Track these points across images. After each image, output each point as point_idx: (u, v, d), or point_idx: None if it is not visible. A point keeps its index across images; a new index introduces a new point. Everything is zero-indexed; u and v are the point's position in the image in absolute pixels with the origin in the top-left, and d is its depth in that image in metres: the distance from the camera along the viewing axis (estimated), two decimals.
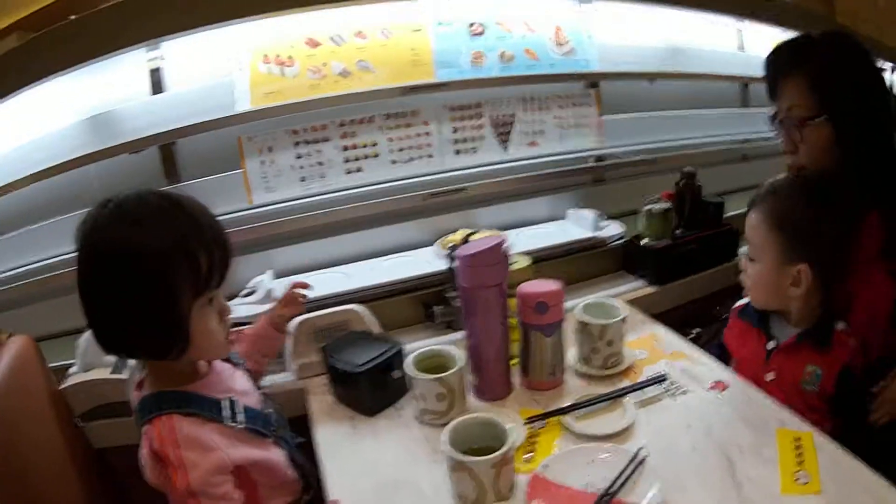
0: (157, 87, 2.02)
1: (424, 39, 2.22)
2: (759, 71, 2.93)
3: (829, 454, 1.34)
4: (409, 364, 1.56)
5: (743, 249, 1.75)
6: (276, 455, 1.39)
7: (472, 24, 2.29)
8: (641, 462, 1.33)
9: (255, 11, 1.95)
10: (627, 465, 1.32)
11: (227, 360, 1.42)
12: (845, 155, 1.61)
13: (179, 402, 1.23)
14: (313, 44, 2.09)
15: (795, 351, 1.58)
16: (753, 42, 3.09)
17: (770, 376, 1.62)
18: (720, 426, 1.47)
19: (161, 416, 1.21)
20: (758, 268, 1.60)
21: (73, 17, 1.78)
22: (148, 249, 1.12)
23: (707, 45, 2.96)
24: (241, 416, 1.30)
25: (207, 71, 2.06)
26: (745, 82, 3.10)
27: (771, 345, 1.65)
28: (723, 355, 1.81)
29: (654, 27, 2.79)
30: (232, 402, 1.30)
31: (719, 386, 1.63)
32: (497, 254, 1.55)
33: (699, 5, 2.74)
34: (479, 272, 1.55)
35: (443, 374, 1.51)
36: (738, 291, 2.22)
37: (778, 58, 1.71)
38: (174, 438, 1.19)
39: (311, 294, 1.70)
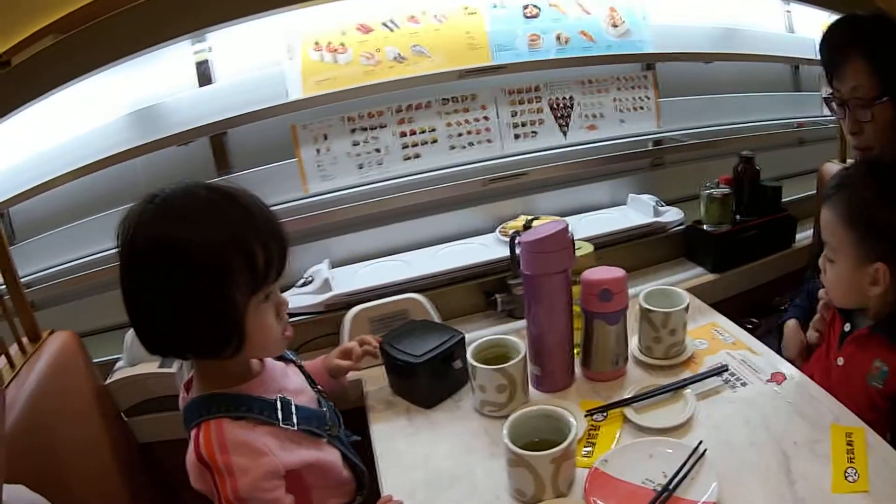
0: (204, 79, 2.02)
1: (479, 22, 2.19)
2: (808, 53, 2.92)
3: (878, 452, 1.31)
4: (469, 354, 1.54)
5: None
6: (330, 455, 1.34)
7: (526, 6, 2.25)
8: (701, 457, 1.32)
9: None
10: (686, 461, 1.30)
11: (279, 356, 1.38)
12: None
13: (229, 405, 1.19)
14: (365, 29, 2.07)
15: (867, 342, 1.50)
16: (802, 24, 3.02)
17: (840, 361, 1.56)
18: (777, 420, 1.45)
19: (210, 420, 1.17)
20: (836, 269, 1.51)
21: (115, 11, 1.76)
22: (195, 245, 1.08)
23: (757, 27, 2.89)
24: (294, 418, 1.25)
25: (256, 61, 2.05)
26: (796, 64, 3.03)
27: (847, 327, 1.57)
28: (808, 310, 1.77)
29: (705, 8, 2.73)
30: (285, 402, 1.25)
31: (777, 378, 1.60)
32: (561, 239, 1.52)
33: None
34: (543, 259, 1.52)
35: (504, 365, 1.49)
36: (796, 280, 2.18)
37: (834, 38, 1.65)
38: (223, 443, 1.14)
39: (369, 284, 1.68)
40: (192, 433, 1.18)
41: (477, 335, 1.72)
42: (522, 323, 1.68)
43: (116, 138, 1.95)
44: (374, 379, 1.72)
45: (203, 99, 2.00)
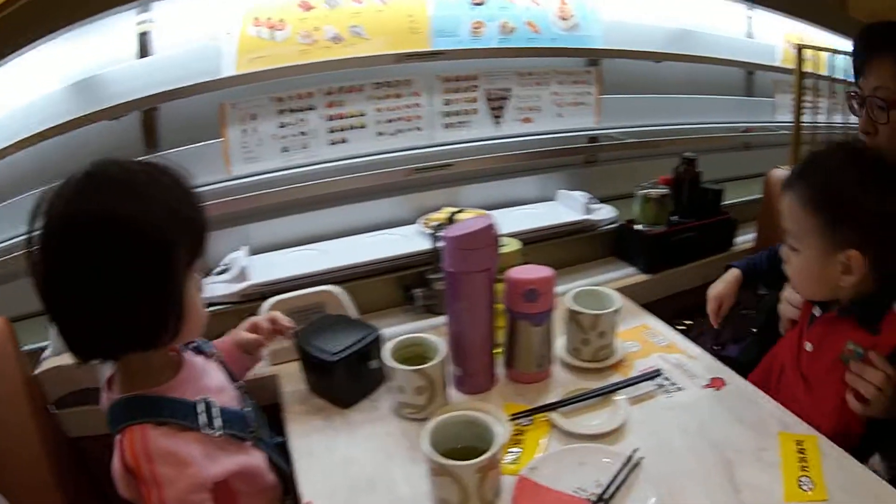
0: (144, 50, 1.91)
1: (422, 6, 2.11)
2: (766, 58, 2.91)
3: (834, 460, 1.28)
4: (387, 353, 1.47)
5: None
6: (255, 459, 1.28)
7: None
8: (636, 465, 1.27)
9: None
10: (621, 469, 1.25)
11: (199, 350, 1.32)
12: None
13: (152, 409, 1.13)
14: (307, 6, 1.98)
15: (836, 324, 1.41)
16: (762, 30, 3.01)
17: (808, 346, 1.48)
18: (717, 427, 1.41)
19: (134, 426, 1.11)
20: (801, 258, 1.40)
21: None
22: (140, 220, 1.02)
23: (715, 30, 2.87)
24: (218, 422, 1.19)
25: (197, 34, 1.94)
26: (750, 70, 3.02)
27: (816, 311, 1.49)
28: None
29: (664, 8, 2.70)
30: (208, 405, 1.19)
31: (716, 383, 1.57)
32: (487, 236, 1.46)
33: None
34: (467, 255, 1.45)
35: (423, 366, 1.42)
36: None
37: (870, 37, 1.57)
38: (148, 452, 1.09)
39: (287, 274, 1.61)
40: (117, 439, 1.13)
41: (395, 331, 1.69)
42: (441, 319, 1.63)
43: (52, 111, 1.83)
44: (290, 376, 1.64)
45: (140, 72, 1.88)
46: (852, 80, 1.59)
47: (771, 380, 1.62)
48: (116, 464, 1.12)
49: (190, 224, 1.10)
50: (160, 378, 1.18)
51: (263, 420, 1.36)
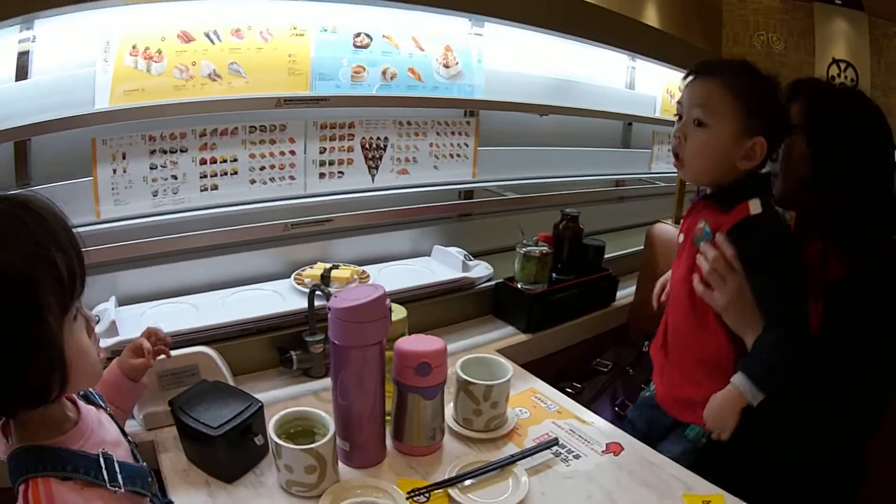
0: (22, 72, 1.72)
1: (305, 46, 2.01)
2: (646, 110, 2.98)
3: None
4: (271, 429, 1.36)
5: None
6: None
7: (357, 35, 2.10)
8: None
9: None
10: None
11: (88, 399, 1.20)
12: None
13: (56, 462, 1.03)
14: (186, 38, 1.83)
15: (699, 209, 1.60)
16: (643, 81, 3.09)
17: (680, 238, 1.65)
18: (621, 494, 1.41)
19: (37, 478, 1.01)
20: (709, 133, 1.49)
21: None
22: (3, 267, 0.89)
23: (597, 81, 2.92)
24: (119, 477, 1.08)
25: (77, 59, 1.76)
26: (630, 121, 3.08)
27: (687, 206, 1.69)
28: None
29: (544, 57, 2.72)
30: (108, 460, 1.09)
31: (614, 448, 1.57)
32: (377, 308, 1.38)
33: (590, 37, 2.67)
34: (358, 329, 1.37)
35: (313, 444, 1.32)
36: (616, 339, 2.17)
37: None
38: None
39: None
40: (20, 490, 1.02)
41: (271, 396, 1.67)
42: (321, 384, 1.60)
43: None
44: (167, 442, 1.51)
45: (15, 96, 1.69)
46: None
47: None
48: None
49: (53, 265, 0.95)
50: (60, 428, 1.07)
51: (154, 477, 1.24)
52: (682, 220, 1.69)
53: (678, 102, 1.56)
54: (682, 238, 1.64)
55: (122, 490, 1.08)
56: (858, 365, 1.51)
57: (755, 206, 1.47)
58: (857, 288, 1.50)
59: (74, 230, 1.02)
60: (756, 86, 1.48)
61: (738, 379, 1.46)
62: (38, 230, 0.95)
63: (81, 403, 1.15)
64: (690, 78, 1.54)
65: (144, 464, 1.20)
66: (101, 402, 1.23)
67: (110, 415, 1.24)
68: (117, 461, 1.10)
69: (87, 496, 1.04)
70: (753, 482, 1.50)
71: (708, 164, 1.52)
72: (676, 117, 1.55)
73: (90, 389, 1.22)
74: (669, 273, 1.77)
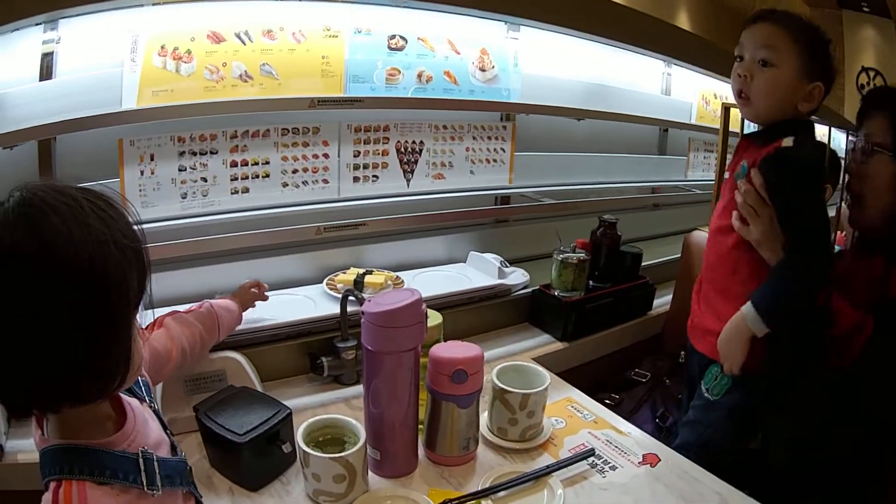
0: (46, 73, 1.71)
1: (339, 48, 1.98)
2: (682, 116, 2.93)
3: None
4: (300, 437, 1.32)
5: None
6: None
7: (392, 37, 2.07)
8: None
9: None
10: None
11: (132, 392, 1.16)
12: None
13: (93, 465, 0.99)
14: (216, 38, 1.81)
15: (742, 148, 1.67)
16: (678, 87, 3.04)
17: (726, 175, 1.71)
18: None
19: (71, 480, 0.97)
20: (774, 73, 1.54)
21: None
22: (88, 254, 0.86)
23: (633, 86, 2.88)
24: (158, 479, 1.06)
25: (103, 60, 1.75)
26: (665, 127, 3.02)
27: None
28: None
29: (581, 62, 2.68)
30: (147, 460, 1.05)
31: (650, 460, 1.53)
32: (413, 313, 1.33)
33: (624, 40, 2.65)
34: (391, 334, 1.33)
35: (343, 453, 1.28)
36: (651, 349, 2.12)
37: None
38: None
39: None
40: (52, 487, 0.98)
41: (301, 403, 1.65)
42: (352, 391, 1.57)
43: None
44: (192, 448, 1.47)
45: (40, 96, 1.68)
46: None
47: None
48: None
49: (139, 259, 0.94)
50: (102, 427, 1.04)
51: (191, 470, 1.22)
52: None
53: (739, 44, 1.60)
54: (727, 175, 1.71)
55: (160, 492, 1.06)
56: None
57: (788, 141, 1.53)
58: None
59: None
60: (814, 34, 1.54)
61: (745, 307, 1.53)
62: (122, 225, 0.93)
63: (126, 399, 1.11)
64: (753, 23, 1.58)
65: (184, 454, 1.18)
66: (145, 395, 1.19)
67: (154, 410, 1.21)
68: (157, 459, 1.07)
69: (123, 499, 1.01)
70: (765, 483, 1.53)
71: (775, 102, 1.56)
72: (738, 58, 1.60)
73: (139, 380, 1.19)
74: None
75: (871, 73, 4.86)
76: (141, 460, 1.04)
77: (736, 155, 1.69)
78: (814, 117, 1.60)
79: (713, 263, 1.70)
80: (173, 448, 1.17)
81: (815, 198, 1.51)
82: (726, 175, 1.70)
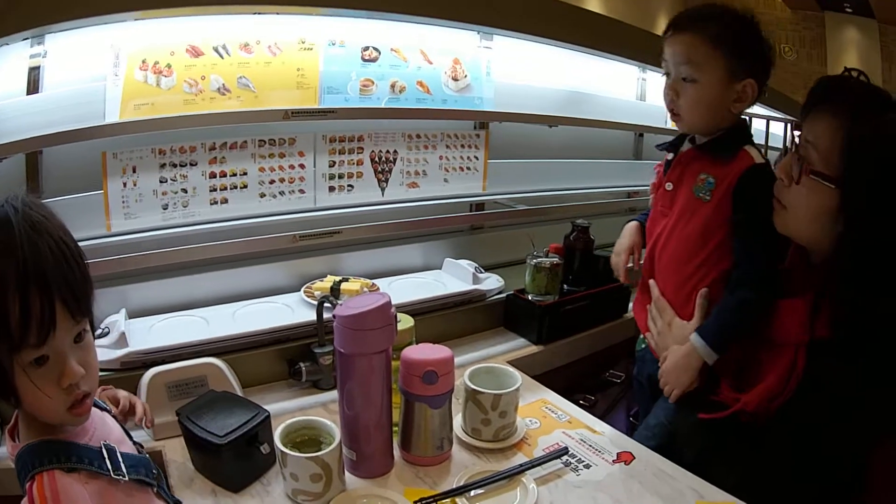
0: (33, 87, 1.75)
1: (313, 60, 2.02)
2: (656, 121, 2.97)
3: None
4: (277, 438, 1.36)
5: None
6: None
7: (365, 48, 2.12)
8: None
9: (138, 6, 1.71)
10: None
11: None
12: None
13: (60, 454, 1.04)
14: (195, 52, 1.86)
15: (692, 160, 1.64)
16: (653, 92, 3.09)
17: (669, 186, 1.68)
18: (633, 503, 1.40)
19: (42, 472, 1.01)
20: (697, 88, 1.56)
21: None
22: None
23: (606, 93, 2.93)
24: (123, 467, 1.09)
25: (87, 74, 1.80)
26: (640, 132, 3.07)
27: (670, 156, 1.72)
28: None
29: (555, 69, 2.72)
30: (110, 450, 1.09)
31: (625, 458, 1.56)
32: (383, 315, 1.38)
33: (599, 48, 2.69)
34: (362, 336, 1.37)
35: (319, 453, 1.31)
36: (627, 351, 2.15)
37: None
38: (56, 498, 1.00)
39: (166, 343, 1.53)
40: (27, 488, 1.02)
41: (280, 408, 1.67)
42: (329, 395, 1.60)
43: None
44: (176, 451, 1.51)
45: (27, 110, 1.72)
46: None
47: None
48: None
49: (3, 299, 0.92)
50: (62, 428, 1.08)
51: (162, 474, 1.24)
52: (659, 172, 1.77)
53: (663, 59, 1.62)
54: (670, 187, 1.68)
55: (126, 479, 1.08)
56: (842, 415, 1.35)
57: (756, 154, 1.55)
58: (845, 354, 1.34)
59: (64, 264, 1.01)
60: (739, 27, 1.54)
61: (694, 338, 1.55)
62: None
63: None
64: (669, 34, 1.60)
65: (147, 455, 1.20)
66: (103, 405, 1.23)
67: (114, 416, 1.25)
68: (120, 452, 1.10)
69: (92, 488, 1.04)
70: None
71: (704, 115, 1.58)
72: (665, 75, 1.63)
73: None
74: (628, 241, 1.85)
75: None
76: (104, 451, 1.08)
77: (678, 166, 1.66)
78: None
79: (672, 270, 1.67)
80: (138, 451, 1.20)
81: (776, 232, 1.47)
82: (668, 186, 1.68)
